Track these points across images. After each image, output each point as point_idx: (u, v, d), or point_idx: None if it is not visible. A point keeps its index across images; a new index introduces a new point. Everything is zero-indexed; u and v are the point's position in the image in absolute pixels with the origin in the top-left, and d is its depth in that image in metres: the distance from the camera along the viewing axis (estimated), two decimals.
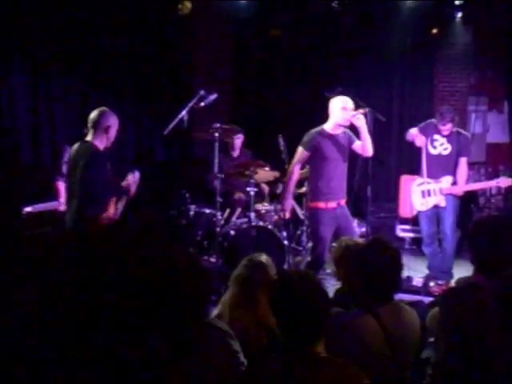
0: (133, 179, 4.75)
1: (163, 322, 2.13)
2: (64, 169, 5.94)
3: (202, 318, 2.56)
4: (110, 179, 4.52)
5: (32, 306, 1.76)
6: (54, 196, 5.88)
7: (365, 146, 5.08)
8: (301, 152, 5.18)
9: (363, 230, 6.44)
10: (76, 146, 4.53)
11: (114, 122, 4.52)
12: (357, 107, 5.11)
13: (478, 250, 2.70)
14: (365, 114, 5.06)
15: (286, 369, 2.14)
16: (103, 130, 4.45)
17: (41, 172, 6.53)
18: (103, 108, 4.54)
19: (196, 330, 2.40)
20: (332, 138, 5.13)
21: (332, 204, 5.10)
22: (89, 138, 4.47)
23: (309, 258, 5.66)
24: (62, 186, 5.73)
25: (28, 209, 4.92)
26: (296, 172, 5.27)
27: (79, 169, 4.36)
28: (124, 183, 4.75)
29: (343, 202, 5.19)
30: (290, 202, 5.44)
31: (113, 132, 4.51)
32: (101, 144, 4.46)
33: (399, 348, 2.62)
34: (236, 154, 6.98)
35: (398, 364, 2.61)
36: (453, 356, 2.53)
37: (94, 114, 4.47)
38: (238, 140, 6.89)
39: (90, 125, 4.46)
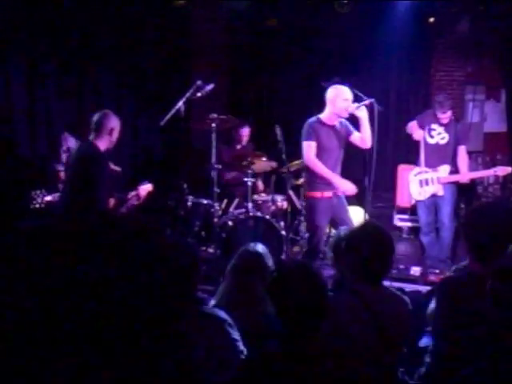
0: (144, 190, 4.84)
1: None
2: (63, 157, 5.98)
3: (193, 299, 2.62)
4: (109, 182, 4.58)
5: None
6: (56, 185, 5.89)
7: (364, 137, 5.02)
8: (307, 145, 5.08)
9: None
10: (78, 145, 4.65)
11: (116, 124, 4.60)
12: (354, 97, 5.09)
13: (473, 239, 2.69)
14: (370, 105, 5.01)
15: (286, 358, 2.16)
16: (106, 133, 4.52)
17: (38, 162, 6.54)
18: (106, 110, 4.62)
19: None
20: (328, 127, 5.10)
21: (328, 193, 5.08)
22: (91, 138, 4.53)
23: (306, 248, 5.65)
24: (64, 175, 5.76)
25: (48, 198, 4.95)
26: (315, 160, 5.03)
27: (79, 169, 4.45)
28: (133, 193, 4.81)
29: (340, 191, 5.17)
30: (339, 179, 5.09)
31: (115, 134, 4.59)
32: (103, 146, 4.53)
33: (386, 331, 2.61)
34: (239, 146, 6.98)
35: (385, 347, 2.61)
36: (449, 344, 2.55)
37: (97, 117, 4.54)
38: (244, 134, 6.91)
39: (93, 127, 4.52)
